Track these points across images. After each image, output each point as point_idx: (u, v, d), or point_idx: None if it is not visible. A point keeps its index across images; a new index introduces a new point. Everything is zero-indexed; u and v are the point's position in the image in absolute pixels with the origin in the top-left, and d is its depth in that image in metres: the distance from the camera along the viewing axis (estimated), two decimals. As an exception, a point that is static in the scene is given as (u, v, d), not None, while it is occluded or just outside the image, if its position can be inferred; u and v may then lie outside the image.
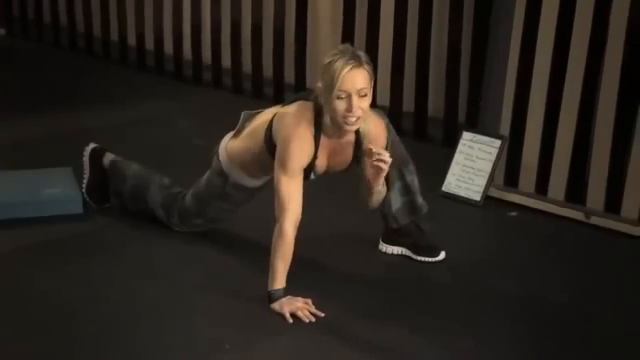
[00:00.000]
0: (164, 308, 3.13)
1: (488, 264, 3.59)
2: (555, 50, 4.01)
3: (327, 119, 3.10)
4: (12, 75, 5.96)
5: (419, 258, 3.55)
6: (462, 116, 4.76)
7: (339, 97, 2.99)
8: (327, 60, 3.01)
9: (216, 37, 5.75)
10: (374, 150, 3.07)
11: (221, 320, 3.08)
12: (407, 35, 4.90)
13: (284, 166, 3.08)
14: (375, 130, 3.21)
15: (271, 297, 3.10)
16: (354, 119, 3.02)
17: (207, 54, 5.83)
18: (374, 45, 5.01)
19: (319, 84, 3.05)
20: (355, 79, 2.97)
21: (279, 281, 3.10)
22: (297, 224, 3.10)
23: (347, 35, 5.08)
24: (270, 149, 3.22)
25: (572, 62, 3.97)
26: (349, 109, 2.99)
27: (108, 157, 3.84)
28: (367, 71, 3.01)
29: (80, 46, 6.51)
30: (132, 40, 6.20)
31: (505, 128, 4.21)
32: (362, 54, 3.02)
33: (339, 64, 2.97)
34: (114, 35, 6.30)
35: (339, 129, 3.10)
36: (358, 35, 5.08)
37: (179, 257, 3.52)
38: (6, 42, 6.53)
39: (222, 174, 3.43)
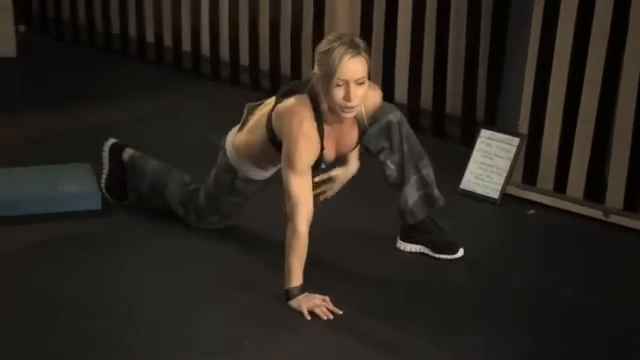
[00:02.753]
0: (181, 305, 3.14)
1: (506, 262, 3.58)
2: (574, 47, 3.98)
3: (324, 107, 3.10)
4: (31, 72, 5.97)
5: (437, 255, 3.54)
6: (480, 114, 4.73)
7: (337, 85, 3.00)
8: (325, 48, 3.01)
9: (234, 34, 5.74)
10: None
11: (239, 316, 3.08)
12: (424, 32, 4.88)
13: (292, 166, 3.08)
14: (372, 104, 3.24)
15: (289, 295, 3.10)
16: (352, 107, 3.04)
17: (225, 51, 5.82)
18: (392, 42, 4.99)
19: (316, 71, 3.05)
20: (354, 68, 2.99)
21: (296, 279, 3.10)
22: (310, 220, 3.10)
23: (365, 32, 5.06)
24: (274, 143, 3.22)
25: (592, 59, 3.95)
26: (347, 97, 3.01)
27: (127, 152, 3.84)
28: (366, 59, 3.02)
29: (99, 43, 6.51)
30: (150, 37, 6.20)
31: (523, 126, 4.19)
32: (360, 41, 3.02)
33: (337, 52, 2.97)
34: (132, 32, 6.30)
35: (338, 116, 3.11)
36: (376, 31, 5.06)
37: (195, 253, 3.52)
38: (26, 39, 6.54)
39: (230, 170, 3.43)
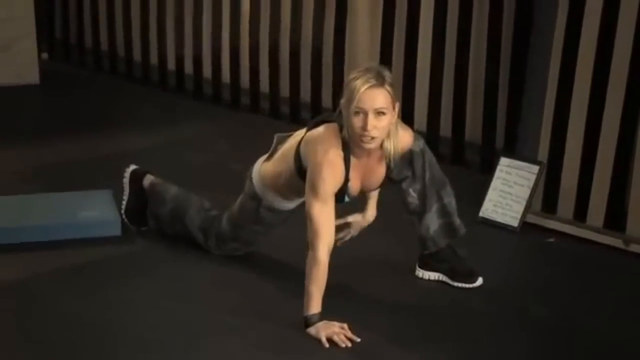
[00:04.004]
0: (198, 331, 3.14)
1: (525, 291, 3.57)
2: (595, 75, 3.98)
3: (344, 135, 3.12)
4: (53, 99, 6.03)
5: (455, 284, 3.53)
6: (499, 142, 4.74)
7: (355, 114, 3.02)
8: (350, 77, 3.05)
9: (254, 61, 5.77)
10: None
11: (256, 344, 3.08)
12: (444, 59, 4.89)
13: (315, 192, 3.09)
14: (403, 144, 3.25)
15: (307, 322, 3.10)
16: (369, 137, 3.05)
17: (245, 78, 5.86)
18: (412, 69, 5.01)
19: (342, 100, 3.08)
20: (374, 98, 3.01)
21: (315, 306, 3.10)
22: (331, 249, 3.11)
23: (385, 60, 5.08)
24: (300, 173, 3.24)
25: (612, 87, 3.95)
26: (364, 127, 3.03)
27: (148, 179, 3.87)
28: (388, 91, 3.04)
29: (121, 70, 6.57)
30: (171, 64, 6.25)
31: (543, 154, 4.19)
32: (386, 74, 3.05)
33: (359, 81, 3.01)
34: (154, 59, 6.35)
35: (360, 148, 3.13)
36: (396, 59, 5.08)
37: (214, 280, 3.53)
38: (48, 66, 6.61)
39: (255, 198, 3.45)
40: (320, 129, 3.19)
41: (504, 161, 4.29)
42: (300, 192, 3.32)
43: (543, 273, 3.76)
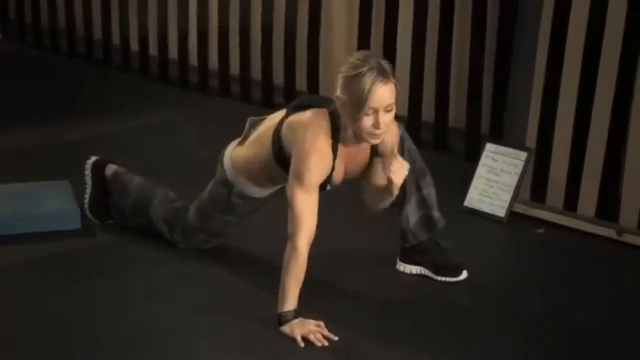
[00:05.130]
0: (166, 330, 3.13)
1: (513, 284, 3.58)
2: (585, 56, 3.99)
3: (348, 131, 3.13)
4: (8, 82, 5.97)
5: (439, 278, 3.54)
6: (485, 127, 4.74)
7: (366, 114, 3.02)
8: (352, 72, 3.03)
9: (224, 42, 5.75)
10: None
11: (227, 343, 3.07)
12: (426, 40, 4.89)
13: (300, 180, 3.09)
14: (389, 135, 3.24)
15: (281, 319, 3.10)
16: (379, 134, 3.07)
17: (214, 60, 5.84)
18: (392, 50, 5.00)
19: (341, 96, 3.07)
20: (385, 96, 3.02)
21: (291, 302, 3.10)
22: (311, 241, 3.11)
23: (364, 40, 5.08)
24: (279, 158, 3.23)
25: (604, 68, 3.96)
26: (376, 125, 3.05)
27: (110, 169, 3.85)
28: (394, 84, 3.05)
29: (80, 52, 6.52)
30: (134, 45, 6.21)
31: (531, 140, 4.20)
32: (387, 65, 3.05)
33: (368, 79, 3.00)
34: (116, 39, 6.31)
35: (359, 140, 3.14)
36: (375, 39, 5.08)
37: (182, 276, 3.52)
38: (3, 47, 6.55)
39: (226, 184, 3.45)
40: (308, 113, 3.18)
41: (490, 147, 4.30)
42: (274, 180, 3.33)
43: (532, 266, 3.78)
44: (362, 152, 3.26)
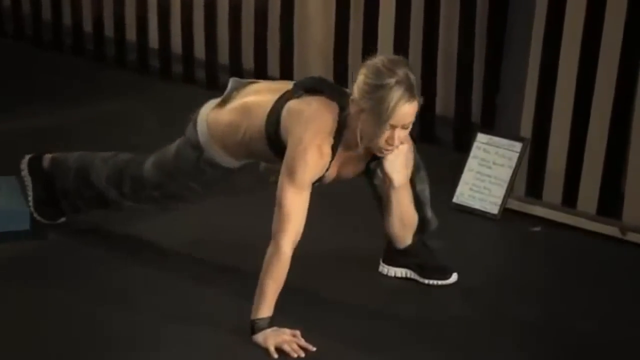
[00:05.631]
0: (126, 340, 3.12)
1: (507, 288, 3.60)
2: (585, 36, 4.00)
3: (353, 135, 3.14)
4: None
5: (426, 281, 3.55)
6: (476, 115, 4.75)
7: (384, 129, 3.07)
8: (377, 82, 3.04)
9: (187, 22, 5.73)
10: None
11: (192, 355, 3.06)
12: (411, 19, 4.89)
13: (292, 176, 3.10)
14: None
15: (254, 327, 3.09)
16: (391, 150, 3.13)
17: (177, 43, 5.82)
18: (373, 30, 5.00)
19: (360, 102, 3.06)
20: (408, 114, 3.07)
21: (266, 308, 3.10)
22: (296, 243, 3.12)
23: (341, 21, 5.08)
24: (273, 141, 3.23)
25: (605, 51, 3.97)
26: (391, 141, 3.09)
27: (47, 159, 3.84)
28: (418, 101, 3.09)
29: (28, 34, 6.48)
30: (88, 26, 6.18)
31: (526, 129, 4.21)
32: (413, 79, 3.07)
33: (394, 94, 3.02)
34: (67, 19, 6.27)
35: (362, 147, 3.16)
36: (354, 18, 5.08)
37: (143, 281, 3.51)
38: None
39: (197, 148, 3.43)
40: (315, 104, 3.17)
41: (481, 138, 4.31)
42: (255, 156, 3.35)
43: (528, 267, 3.79)
44: (359, 157, 3.28)
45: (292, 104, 3.21)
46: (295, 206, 3.11)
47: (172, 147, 3.52)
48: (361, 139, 3.13)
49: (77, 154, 3.79)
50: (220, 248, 3.71)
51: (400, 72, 3.04)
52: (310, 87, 3.24)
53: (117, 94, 5.59)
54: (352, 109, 3.10)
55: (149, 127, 5.06)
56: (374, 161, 3.32)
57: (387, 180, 3.31)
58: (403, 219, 3.43)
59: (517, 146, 4.20)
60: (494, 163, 4.23)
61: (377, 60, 3.09)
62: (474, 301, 3.48)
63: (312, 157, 3.11)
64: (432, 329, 3.29)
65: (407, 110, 3.05)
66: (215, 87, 5.58)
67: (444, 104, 4.90)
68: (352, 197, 3.62)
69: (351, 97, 3.10)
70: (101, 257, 3.65)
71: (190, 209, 3.88)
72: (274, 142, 3.23)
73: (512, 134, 4.23)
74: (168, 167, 3.52)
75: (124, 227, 3.88)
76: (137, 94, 5.61)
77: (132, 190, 3.62)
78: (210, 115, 3.40)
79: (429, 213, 3.54)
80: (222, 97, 3.42)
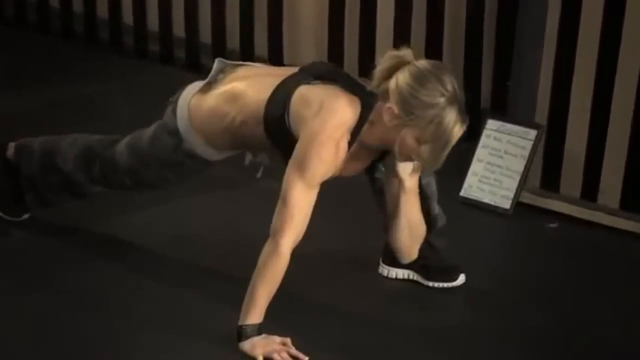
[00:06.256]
0: (102, 348, 3.13)
1: (519, 292, 3.61)
2: (607, 8, 4.00)
3: (370, 134, 3.17)
4: None
5: (430, 284, 3.57)
6: (485, 99, 4.76)
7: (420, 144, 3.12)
8: (426, 98, 3.06)
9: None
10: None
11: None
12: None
13: (304, 171, 3.10)
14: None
15: (242, 334, 3.10)
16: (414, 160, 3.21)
17: (153, 19, 5.82)
18: (371, 5, 5.02)
19: (401, 114, 3.08)
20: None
21: (257, 314, 3.10)
22: (296, 244, 3.13)
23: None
24: (272, 127, 3.22)
25: (628, 28, 3.97)
26: (416, 154, 3.15)
27: (11, 148, 3.83)
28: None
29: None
30: (54, 0, 6.17)
31: (542, 115, 4.22)
32: (460, 92, 3.11)
33: (450, 119, 3.07)
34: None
35: (377, 147, 3.22)
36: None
37: (119, 282, 3.52)
38: None
39: (175, 135, 3.42)
40: (336, 94, 3.15)
41: (491, 124, 4.33)
42: (242, 144, 3.35)
43: (543, 269, 3.80)
44: (366, 153, 3.30)
45: (306, 90, 3.20)
46: (301, 204, 3.12)
47: (149, 132, 3.51)
48: (379, 138, 3.17)
49: (41, 139, 3.78)
50: (203, 247, 3.73)
51: (449, 84, 3.08)
52: (324, 74, 3.23)
53: (88, 74, 5.59)
54: (386, 116, 3.10)
55: (122, 111, 5.05)
56: (381, 161, 3.35)
57: (397, 182, 3.35)
58: (412, 228, 3.45)
59: (532, 134, 4.21)
60: (506, 152, 4.24)
61: (420, 66, 3.10)
62: (482, 306, 3.50)
63: (329, 153, 3.11)
64: (435, 337, 3.29)
65: (459, 134, 3.11)
66: (196, 69, 5.60)
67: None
68: (349, 192, 3.62)
69: (386, 105, 3.11)
70: (72, 257, 3.66)
71: (170, 204, 3.90)
72: (274, 129, 3.21)
73: (526, 120, 4.25)
74: (142, 153, 3.52)
75: (96, 224, 3.88)
76: (109, 75, 5.60)
77: (102, 174, 3.61)
78: (193, 102, 3.39)
79: (436, 209, 3.56)
80: (207, 80, 3.41)
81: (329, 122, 3.11)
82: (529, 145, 4.21)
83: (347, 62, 5.09)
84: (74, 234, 3.78)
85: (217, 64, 3.43)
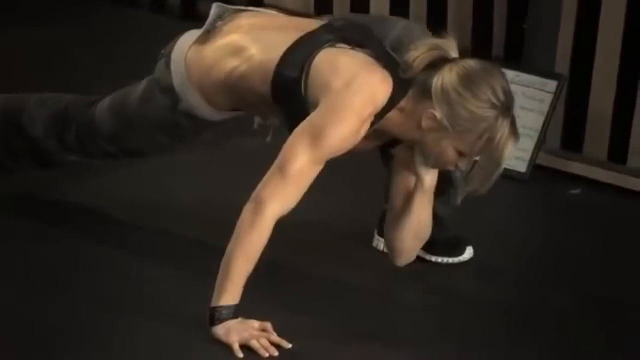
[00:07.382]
0: (61, 332, 3.12)
1: (536, 267, 3.62)
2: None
3: (393, 121, 3.16)
4: None
5: (433, 258, 3.57)
6: (498, 46, 4.73)
7: (460, 153, 3.15)
8: (478, 110, 3.07)
9: None
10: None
11: (131, 353, 3.06)
12: None
13: (317, 141, 3.07)
14: None
15: (215, 317, 3.06)
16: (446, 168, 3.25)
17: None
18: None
19: (443, 120, 3.07)
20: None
21: (231, 294, 3.05)
22: (279, 218, 3.09)
23: None
24: (282, 86, 3.18)
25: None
26: (454, 165, 3.19)
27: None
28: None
29: None
30: None
31: (563, 64, 4.22)
32: (512, 100, 3.15)
33: (502, 134, 3.10)
34: None
35: (397, 138, 3.25)
36: None
37: (77, 258, 3.52)
38: None
39: (170, 93, 3.40)
40: (374, 68, 3.13)
41: (505, 74, 4.27)
42: (245, 108, 3.35)
43: (563, 240, 3.81)
44: (381, 136, 3.28)
45: (334, 55, 3.17)
46: (301, 177, 3.08)
47: (138, 89, 3.48)
48: (406, 132, 3.17)
49: (4, 95, 3.75)
50: (178, 215, 3.75)
51: (500, 91, 3.09)
52: (352, 39, 3.20)
53: (48, 21, 5.61)
54: (424, 119, 3.09)
55: (106, 65, 5.06)
56: (392, 147, 3.34)
57: (409, 177, 3.33)
58: (419, 229, 3.38)
59: (551, 85, 4.21)
60: (522, 107, 4.20)
61: (468, 67, 3.11)
62: (495, 285, 3.49)
63: (350, 130, 3.08)
64: (439, 321, 3.30)
65: (510, 155, 3.16)
66: (191, 17, 5.60)
67: (458, 31, 4.83)
68: (347, 160, 3.60)
69: (428, 108, 3.08)
70: (26, 228, 3.67)
71: (144, 165, 3.91)
72: (285, 93, 3.18)
73: (544, 70, 4.25)
74: (129, 114, 3.49)
75: (55, 191, 3.90)
76: (90, 22, 5.65)
77: (78, 140, 3.59)
78: (190, 54, 3.36)
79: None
80: (204, 27, 3.37)
81: (359, 97, 3.09)
82: (548, 98, 4.22)
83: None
84: (28, 202, 3.81)
85: (214, 9, 3.39)
